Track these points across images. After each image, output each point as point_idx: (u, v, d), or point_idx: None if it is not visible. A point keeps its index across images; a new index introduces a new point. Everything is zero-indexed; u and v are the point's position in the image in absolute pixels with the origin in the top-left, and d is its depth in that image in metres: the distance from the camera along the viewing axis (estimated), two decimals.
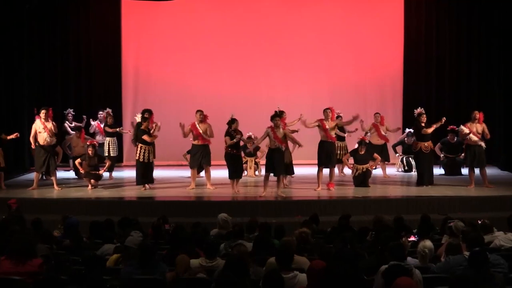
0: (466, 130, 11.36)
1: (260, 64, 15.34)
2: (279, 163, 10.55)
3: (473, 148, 11.35)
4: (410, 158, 13.56)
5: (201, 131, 11.18)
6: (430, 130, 11.26)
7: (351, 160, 11.88)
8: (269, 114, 10.79)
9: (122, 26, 15.37)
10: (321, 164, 11.12)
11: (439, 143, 13.29)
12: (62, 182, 12.10)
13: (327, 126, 10.96)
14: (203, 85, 15.17)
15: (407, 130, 13.60)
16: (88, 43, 15.32)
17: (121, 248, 6.38)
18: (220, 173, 12.46)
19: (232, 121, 11.13)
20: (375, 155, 11.97)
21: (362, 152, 11.67)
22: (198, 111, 11.31)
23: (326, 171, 11.29)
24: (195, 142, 11.30)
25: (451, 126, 13.13)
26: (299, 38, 15.33)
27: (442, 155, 13.40)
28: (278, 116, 10.55)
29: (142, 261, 5.46)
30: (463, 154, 13.15)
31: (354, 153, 11.80)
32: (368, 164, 11.68)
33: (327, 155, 11.04)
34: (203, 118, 11.25)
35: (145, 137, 11.08)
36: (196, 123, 11.24)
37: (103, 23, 15.34)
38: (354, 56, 15.38)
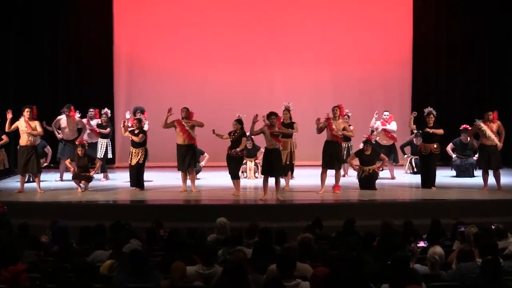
0: (484, 127, 11.29)
1: (260, 57, 15.32)
2: (278, 164, 10.56)
3: (488, 149, 11.34)
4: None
5: (187, 128, 11.18)
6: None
7: (357, 161, 11.87)
8: (269, 111, 10.77)
9: (114, 18, 15.36)
10: (325, 166, 11.10)
11: (451, 143, 13.28)
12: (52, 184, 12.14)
13: (333, 126, 10.93)
14: (199, 82, 15.18)
15: (416, 131, 13.59)
16: (79, 36, 15.31)
17: (116, 254, 6.38)
18: (219, 175, 12.46)
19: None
20: (382, 155, 11.97)
21: (368, 153, 11.66)
22: (183, 108, 11.33)
23: (330, 172, 11.27)
24: (179, 142, 11.30)
25: (464, 126, 13.11)
26: (301, 30, 15.31)
27: (454, 156, 13.38)
28: (274, 114, 10.51)
29: (134, 268, 5.46)
30: (476, 156, 13.15)
31: (360, 153, 11.77)
32: (374, 166, 11.68)
33: (332, 156, 11.01)
34: (188, 115, 11.26)
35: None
36: (181, 119, 11.24)
37: (94, 12, 15.29)
38: (360, 50, 15.35)
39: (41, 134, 11.62)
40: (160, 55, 15.32)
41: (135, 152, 11.40)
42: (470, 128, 12.72)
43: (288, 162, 11.36)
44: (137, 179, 11.45)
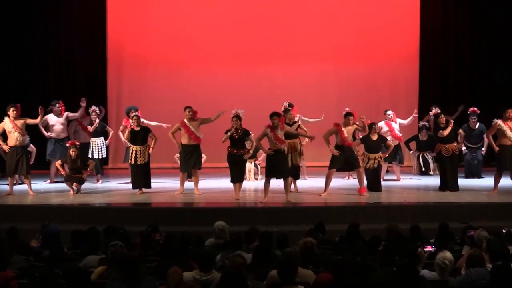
0: (505, 127, 11.14)
1: (261, 53, 15.34)
2: (283, 165, 10.51)
3: (509, 149, 11.19)
4: (426, 155, 13.49)
5: (193, 130, 11.14)
6: (446, 132, 11.15)
7: (361, 149, 11.66)
8: (269, 110, 10.71)
9: (107, 12, 15.37)
10: (333, 167, 10.98)
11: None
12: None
13: (345, 134, 10.84)
14: (197, 78, 15.18)
15: (421, 123, 13.53)
16: (71, 30, 15.31)
17: (107, 259, 6.36)
18: (218, 176, 12.44)
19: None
20: (389, 142, 11.70)
21: (375, 138, 11.44)
22: (187, 107, 11.28)
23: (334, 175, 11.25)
24: (185, 142, 11.23)
25: (472, 108, 12.94)
26: (304, 25, 15.33)
27: (464, 148, 13.13)
28: (276, 115, 10.45)
29: (126, 274, 5.44)
30: (483, 149, 13.05)
31: (366, 139, 11.52)
32: (380, 153, 11.43)
33: (347, 161, 10.93)
34: (193, 115, 11.22)
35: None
36: (185, 121, 11.21)
37: (87, 5, 15.32)
38: (365, 45, 15.37)
39: (37, 122, 11.65)
40: (156, 50, 15.35)
41: (139, 150, 11.25)
42: (479, 111, 12.64)
43: (298, 164, 11.35)
44: (147, 179, 11.35)
